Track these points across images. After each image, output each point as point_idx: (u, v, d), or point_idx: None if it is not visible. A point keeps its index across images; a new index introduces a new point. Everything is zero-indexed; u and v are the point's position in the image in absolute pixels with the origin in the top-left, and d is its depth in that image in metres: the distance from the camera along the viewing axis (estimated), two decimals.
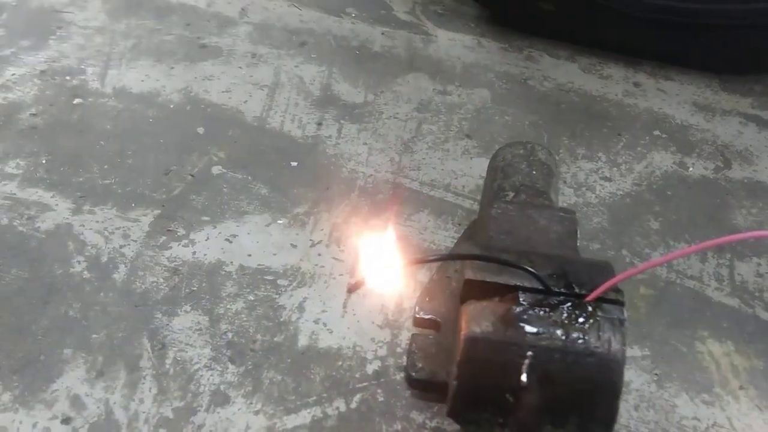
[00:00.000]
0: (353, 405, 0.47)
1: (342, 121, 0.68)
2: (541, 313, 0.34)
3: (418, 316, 0.47)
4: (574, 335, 0.33)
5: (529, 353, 0.33)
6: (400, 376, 0.48)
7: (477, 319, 0.34)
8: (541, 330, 0.34)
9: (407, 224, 0.59)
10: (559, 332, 0.34)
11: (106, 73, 0.72)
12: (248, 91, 0.70)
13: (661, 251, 0.56)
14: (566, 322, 0.34)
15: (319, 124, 0.67)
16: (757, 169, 0.65)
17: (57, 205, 0.58)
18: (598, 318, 0.34)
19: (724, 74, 0.75)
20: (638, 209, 0.61)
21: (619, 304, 0.34)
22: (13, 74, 0.71)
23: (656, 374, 0.50)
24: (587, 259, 0.39)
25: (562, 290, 0.35)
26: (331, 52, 0.76)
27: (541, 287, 0.35)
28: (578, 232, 0.41)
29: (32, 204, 0.58)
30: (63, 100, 0.68)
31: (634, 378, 0.49)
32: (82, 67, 0.73)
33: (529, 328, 0.34)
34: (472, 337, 0.34)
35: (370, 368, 0.49)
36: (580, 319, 0.34)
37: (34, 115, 0.67)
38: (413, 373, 0.44)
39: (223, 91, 0.70)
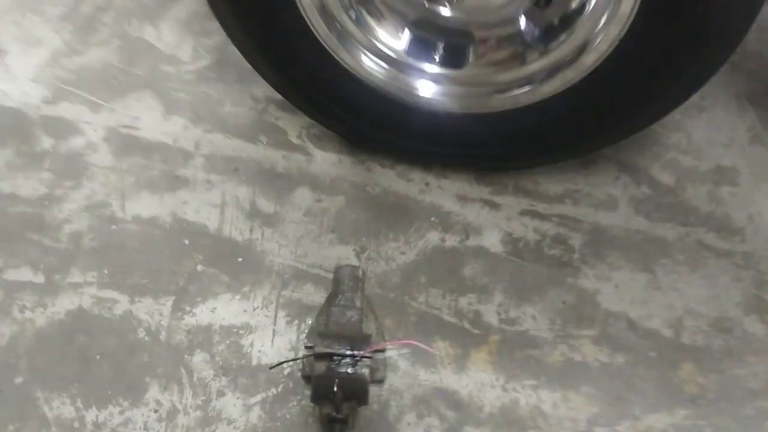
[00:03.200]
0: None
1: (263, 228, 1.22)
2: (343, 362, 0.93)
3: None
4: (351, 370, 0.92)
5: (337, 380, 0.92)
6: None
7: (318, 367, 0.93)
8: (342, 370, 0.92)
9: (298, 292, 1.15)
10: (350, 370, 0.92)
11: (124, 205, 1.23)
12: (208, 210, 1.23)
13: (424, 297, 1.15)
14: (352, 365, 0.92)
15: (251, 230, 1.22)
16: (483, 238, 1.23)
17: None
18: (360, 364, 0.93)
19: (482, 172, 1.31)
20: (417, 272, 1.18)
21: (370, 357, 0.93)
22: (69, 211, 1.22)
23: None
24: (364, 335, 0.97)
25: (353, 353, 0.93)
26: (252, 175, 1.28)
27: (344, 353, 0.93)
28: (362, 322, 0.99)
29: None
30: (103, 226, 1.20)
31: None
32: (109, 199, 1.24)
33: (338, 370, 0.92)
34: (318, 375, 0.92)
35: None
36: (358, 365, 0.93)
37: (91, 240, 1.18)
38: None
39: (194, 212, 1.23)
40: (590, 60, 1.04)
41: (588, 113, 1.14)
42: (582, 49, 1.03)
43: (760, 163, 1.36)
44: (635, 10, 0.96)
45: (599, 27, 1.02)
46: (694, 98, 1.43)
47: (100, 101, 1.35)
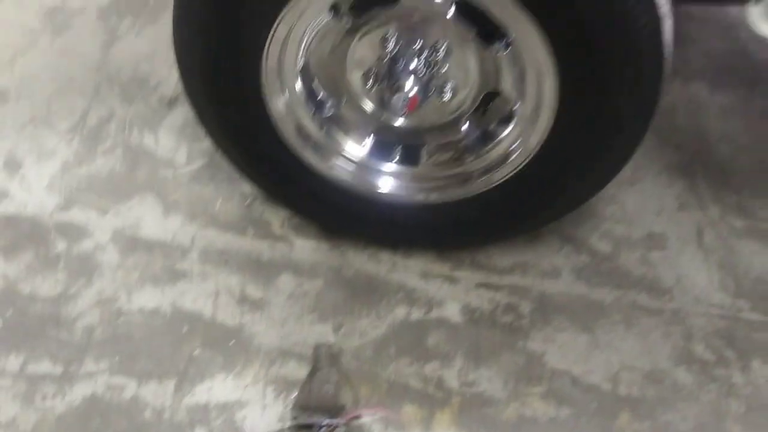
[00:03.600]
0: None
1: (252, 312, 1.40)
2: (322, 431, 1.10)
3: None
4: None
5: None
6: None
7: None
8: None
9: (284, 368, 1.32)
10: None
11: (130, 298, 1.41)
12: (204, 299, 1.41)
13: (394, 366, 1.32)
14: None
15: (242, 315, 1.39)
16: (444, 310, 1.41)
17: None
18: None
19: (442, 250, 1.49)
20: (387, 344, 1.36)
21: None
22: (82, 307, 1.39)
23: None
24: (339, 406, 1.13)
25: (330, 423, 1.10)
26: (241, 264, 1.47)
27: (322, 423, 1.10)
28: (338, 394, 1.16)
29: None
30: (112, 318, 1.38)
31: None
32: (117, 293, 1.42)
33: None
34: None
35: None
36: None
37: (102, 331, 1.36)
38: None
39: (191, 301, 1.41)
40: (519, 159, 1.24)
41: (523, 199, 1.33)
42: (509, 153, 1.24)
43: (687, 228, 1.55)
44: (552, 121, 1.17)
45: (524, 132, 1.22)
46: (627, 173, 1.65)
47: (107, 205, 1.55)
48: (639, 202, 1.60)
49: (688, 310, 1.43)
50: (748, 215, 1.58)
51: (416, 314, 1.41)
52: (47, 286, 1.43)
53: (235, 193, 1.58)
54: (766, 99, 1.79)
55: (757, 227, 1.56)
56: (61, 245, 1.49)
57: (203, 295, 1.42)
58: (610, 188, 1.58)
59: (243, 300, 1.42)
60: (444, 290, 1.44)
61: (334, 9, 1.15)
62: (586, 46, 1.02)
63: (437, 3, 1.12)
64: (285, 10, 1.09)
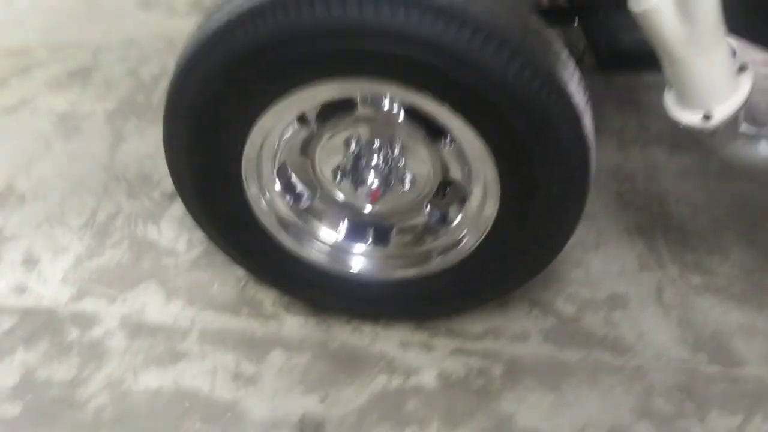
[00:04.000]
0: None
1: (246, 386, 1.53)
2: None
3: None
4: None
5: None
6: None
7: None
8: None
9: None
10: None
11: (137, 379, 1.55)
12: (203, 377, 1.55)
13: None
14: None
15: (237, 389, 1.53)
16: (422, 377, 1.53)
17: None
18: None
19: (420, 320, 1.63)
20: (369, 411, 1.48)
21: None
22: (94, 389, 1.54)
23: None
24: None
25: None
26: (237, 342, 1.61)
27: None
28: None
29: None
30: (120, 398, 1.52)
31: None
32: (124, 375, 1.56)
33: None
34: None
35: None
36: None
37: (112, 410, 1.50)
38: None
39: (191, 379, 1.55)
40: (474, 237, 1.39)
41: (485, 271, 1.46)
42: (466, 233, 1.39)
43: (647, 287, 1.67)
44: (498, 203, 1.31)
45: (477, 213, 1.37)
46: (592, 237, 1.77)
47: (115, 294, 1.71)
48: (602, 265, 1.72)
49: (649, 365, 1.53)
50: (705, 272, 1.70)
51: (396, 382, 1.53)
52: (62, 371, 1.57)
53: (230, 276, 1.74)
54: (721, 160, 1.93)
55: (714, 282, 1.67)
56: (74, 333, 1.64)
57: (202, 372, 1.56)
58: (575, 253, 1.73)
59: (238, 376, 1.55)
60: (421, 358, 1.57)
61: (301, 119, 1.33)
62: (515, 144, 1.18)
63: (388, 110, 1.28)
64: (255, 127, 1.26)
